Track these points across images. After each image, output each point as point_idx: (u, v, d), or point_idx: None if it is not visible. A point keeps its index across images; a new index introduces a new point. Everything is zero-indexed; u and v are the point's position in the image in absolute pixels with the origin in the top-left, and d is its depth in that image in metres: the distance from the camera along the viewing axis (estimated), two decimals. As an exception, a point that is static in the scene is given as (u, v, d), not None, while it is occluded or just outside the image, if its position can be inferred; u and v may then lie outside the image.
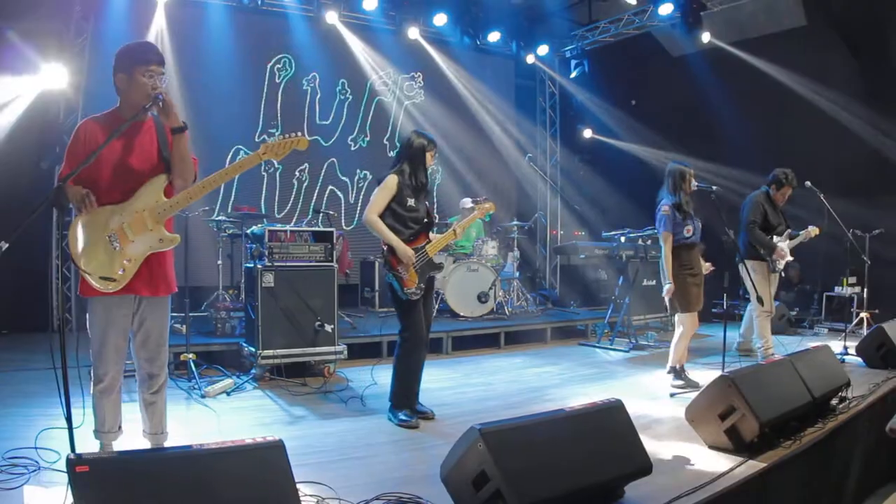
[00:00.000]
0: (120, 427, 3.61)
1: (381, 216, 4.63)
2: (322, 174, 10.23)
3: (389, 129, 10.91)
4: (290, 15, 9.77)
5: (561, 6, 10.94)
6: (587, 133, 12.34)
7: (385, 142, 10.81)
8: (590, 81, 11.80)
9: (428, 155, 4.78)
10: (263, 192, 9.71)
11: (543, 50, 11.98)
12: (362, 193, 10.54)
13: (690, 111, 10.35)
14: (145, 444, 3.66)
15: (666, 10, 10.01)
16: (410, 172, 4.72)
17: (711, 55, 10.20)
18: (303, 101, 10.11)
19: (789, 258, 6.86)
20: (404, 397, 4.70)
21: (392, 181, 4.66)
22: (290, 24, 9.84)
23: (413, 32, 10.50)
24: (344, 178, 10.42)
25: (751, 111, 9.77)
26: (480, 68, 11.68)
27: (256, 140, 9.63)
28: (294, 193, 10.04)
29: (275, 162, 9.58)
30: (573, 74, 11.86)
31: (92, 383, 3.44)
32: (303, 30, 9.90)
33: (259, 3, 9.44)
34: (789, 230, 6.91)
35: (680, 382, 5.82)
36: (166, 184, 3.40)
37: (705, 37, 10.01)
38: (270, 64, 9.82)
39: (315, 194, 10.17)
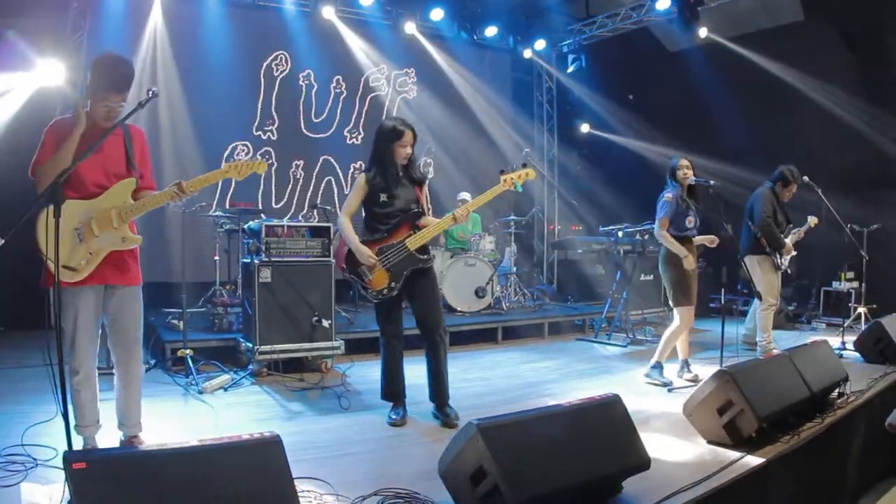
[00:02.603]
0: (98, 421, 3.66)
1: (365, 217, 4.67)
2: (317, 168, 10.21)
3: None
4: (286, 11, 9.76)
5: (558, 0, 10.93)
6: (585, 128, 12.34)
7: None
8: (587, 76, 11.78)
9: (395, 145, 4.50)
10: (261, 186, 9.69)
11: (541, 45, 11.98)
12: None
13: (687, 106, 10.34)
14: (119, 436, 3.74)
15: (663, 4, 9.99)
16: (380, 165, 4.57)
17: (708, 50, 10.19)
18: (298, 97, 10.08)
19: (793, 253, 6.94)
20: (388, 394, 4.71)
21: (360, 180, 4.61)
22: (285, 19, 9.83)
23: (410, 27, 10.50)
24: (339, 171, 10.39)
25: (748, 106, 9.77)
26: (477, 63, 11.65)
27: (254, 134, 9.62)
28: (290, 187, 10.00)
29: (272, 157, 9.60)
30: (570, 69, 11.83)
31: (69, 376, 3.42)
32: (299, 25, 9.88)
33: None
34: (791, 226, 6.99)
35: (663, 379, 5.80)
36: (135, 187, 3.56)
37: (702, 32, 10.00)
38: (267, 61, 9.78)
39: (311, 187, 10.14)
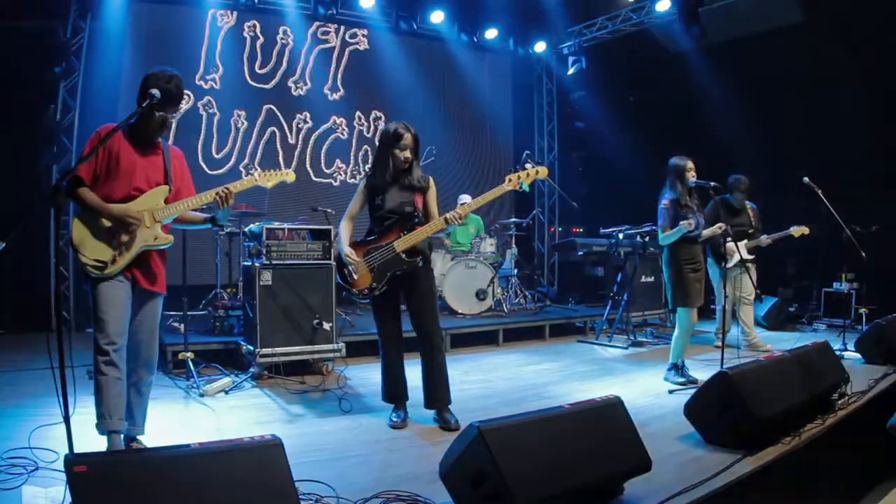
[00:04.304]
0: (122, 418, 3.68)
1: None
2: (261, 118, 9.97)
3: (331, 76, 10.59)
4: (287, 13, 9.78)
5: (558, 3, 10.93)
6: (585, 130, 12.35)
7: (326, 90, 10.54)
8: (587, 78, 11.79)
9: (395, 148, 4.50)
10: (201, 135, 9.47)
11: (541, 47, 12.01)
12: (301, 135, 10.30)
13: (688, 107, 10.34)
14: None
15: (663, 6, 10.01)
16: (378, 168, 4.61)
17: (709, 51, 10.20)
18: (242, 47, 9.83)
19: (747, 256, 7.16)
20: (388, 395, 4.74)
21: (361, 184, 4.70)
22: (286, 20, 9.86)
23: (410, 29, 10.51)
24: (283, 121, 10.14)
25: (748, 107, 9.77)
26: (478, 66, 11.66)
27: (196, 83, 9.39)
28: (232, 136, 9.76)
29: (214, 106, 9.51)
30: (571, 71, 11.84)
31: (99, 363, 3.56)
32: (298, 24, 9.94)
33: (255, 1, 9.48)
34: (751, 232, 7.34)
35: (680, 380, 5.83)
36: (167, 195, 3.83)
37: (702, 33, 10.00)
38: (212, 10, 9.53)
39: (254, 136, 9.90)
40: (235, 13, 9.71)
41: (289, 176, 4.16)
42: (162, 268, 3.89)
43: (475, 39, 11.35)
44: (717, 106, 9.83)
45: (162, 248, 3.84)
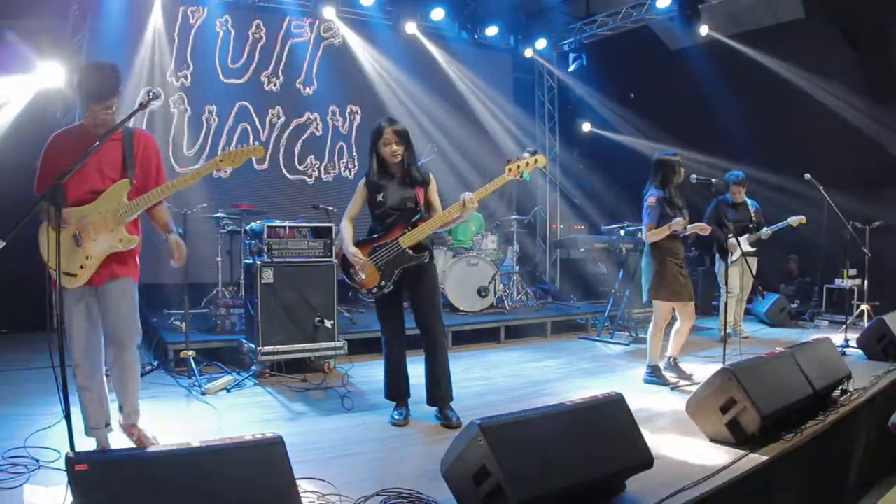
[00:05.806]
0: (107, 423, 3.69)
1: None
2: (233, 113, 9.71)
3: (304, 71, 10.31)
4: (290, 11, 9.76)
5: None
6: (586, 127, 12.36)
7: (298, 84, 10.26)
8: (588, 75, 11.79)
9: (379, 143, 4.50)
10: (171, 131, 9.18)
11: (542, 44, 11.98)
12: (276, 131, 10.07)
13: (689, 104, 10.33)
14: (122, 435, 3.77)
15: (664, 2, 9.98)
16: (371, 166, 4.60)
17: (709, 48, 10.18)
18: (214, 43, 9.54)
19: (749, 250, 7.35)
20: (390, 393, 4.73)
21: (360, 183, 4.66)
22: (285, 18, 9.83)
23: (410, 27, 10.48)
24: (255, 117, 9.89)
25: (749, 104, 9.76)
26: (478, 63, 11.64)
27: (168, 80, 9.07)
28: (203, 134, 9.52)
29: (185, 102, 9.28)
30: (571, 68, 11.84)
31: (74, 377, 3.51)
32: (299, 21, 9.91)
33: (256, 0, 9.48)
34: (751, 227, 7.56)
35: (671, 377, 5.82)
36: (129, 188, 3.55)
37: (703, 30, 10.00)
38: (182, 8, 9.27)
39: (225, 132, 9.65)
40: (206, 10, 9.51)
41: (257, 151, 3.72)
42: (131, 256, 3.68)
43: (476, 37, 11.33)
44: (718, 102, 9.81)
45: (129, 249, 3.61)
